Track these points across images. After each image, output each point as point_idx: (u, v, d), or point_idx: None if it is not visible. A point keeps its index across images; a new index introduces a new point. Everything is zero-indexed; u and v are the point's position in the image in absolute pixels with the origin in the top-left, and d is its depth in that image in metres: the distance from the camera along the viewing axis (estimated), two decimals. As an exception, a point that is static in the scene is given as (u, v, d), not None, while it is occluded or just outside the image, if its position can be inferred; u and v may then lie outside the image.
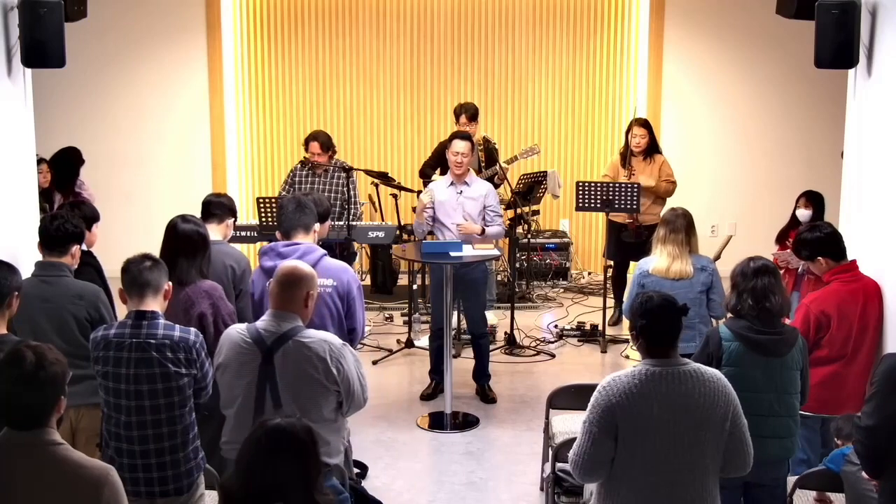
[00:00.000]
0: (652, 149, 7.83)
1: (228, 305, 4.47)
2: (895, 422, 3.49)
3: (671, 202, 6.98)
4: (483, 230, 6.48)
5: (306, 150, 7.35)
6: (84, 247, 4.68)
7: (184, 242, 4.47)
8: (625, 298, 8.16)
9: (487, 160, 7.64)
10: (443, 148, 7.01)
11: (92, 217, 4.99)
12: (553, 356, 7.52)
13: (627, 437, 3.33)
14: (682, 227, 5.34)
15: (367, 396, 3.90)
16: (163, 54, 9.38)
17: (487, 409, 6.51)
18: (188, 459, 3.77)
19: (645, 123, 7.91)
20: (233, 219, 5.15)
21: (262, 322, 3.80)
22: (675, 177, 7.80)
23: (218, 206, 5.09)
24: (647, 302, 3.45)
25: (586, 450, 3.38)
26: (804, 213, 6.72)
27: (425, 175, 7.66)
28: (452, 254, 6.13)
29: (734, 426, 3.38)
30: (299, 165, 7.55)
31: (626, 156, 7.86)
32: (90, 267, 4.75)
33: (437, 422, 6.25)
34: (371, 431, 6.05)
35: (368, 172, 8.29)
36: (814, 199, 6.75)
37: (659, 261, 5.36)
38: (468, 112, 7.64)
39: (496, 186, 7.70)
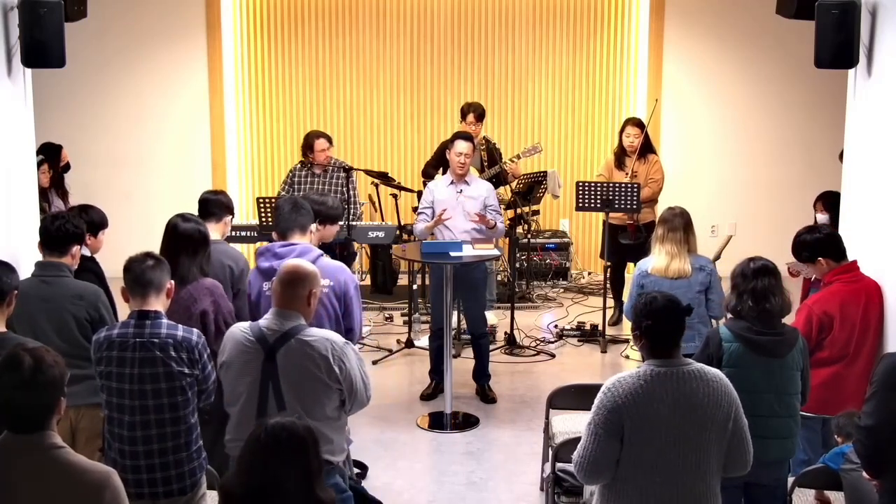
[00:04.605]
0: (646, 148, 7.84)
1: (229, 304, 4.48)
2: (895, 421, 3.49)
3: (670, 201, 6.97)
4: (494, 224, 6.51)
5: (311, 150, 7.37)
6: (87, 252, 4.66)
7: (185, 241, 4.47)
8: (625, 299, 8.21)
9: (490, 160, 7.65)
10: (444, 148, 7.03)
11: (100, 223, 4.90)
12: (553, 356, 7.52)
13: (633, 438, 3.32)
14: (680, 226, 5.34)
15: (370, 394, 3.90)
16: (163, 54, 9.38)
17: (487, 409, 6.51)
18: (191, 459, 3.77)
19: (638, 123, 7.92)
20: (231, 217, 5.14)
21: (265, 320, 3.80)
22: (660, 175, 7.85)
23: (216, 205, 5.07)
24: (652, 303, 3.44)
25: (592, 451, 3.36)
26: (821, 218, 6.38)
27: (428, 175, 7.67)
28: (452, 254, 6.14)
29: (736, 425, 3.39)
30: (299, 165, 7.57)
31: (619, 155, 7.88)
32: (91, 273, 4.70)
33: (437, 422, 6.24)
34: (371, 431, 6.04)
35: (368, 172, 8.30)
36: (830, 203, 6.28)
37: (657, 260, 5.36)
38: (476, 111, 7.71)
39: (506, 184, 7.74)
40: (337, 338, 3.80)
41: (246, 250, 9.38)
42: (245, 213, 9.54)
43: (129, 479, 3.60)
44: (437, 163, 7.66)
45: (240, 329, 3.84)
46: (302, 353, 3.71)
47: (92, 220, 4.78)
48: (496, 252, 6.52)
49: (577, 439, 3.47)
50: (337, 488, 3.91)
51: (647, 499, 3.35)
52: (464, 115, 7.76)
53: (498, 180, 7.60)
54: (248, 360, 3.75)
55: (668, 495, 3.34)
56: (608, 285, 7.87)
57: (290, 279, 3.82)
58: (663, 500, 3.35)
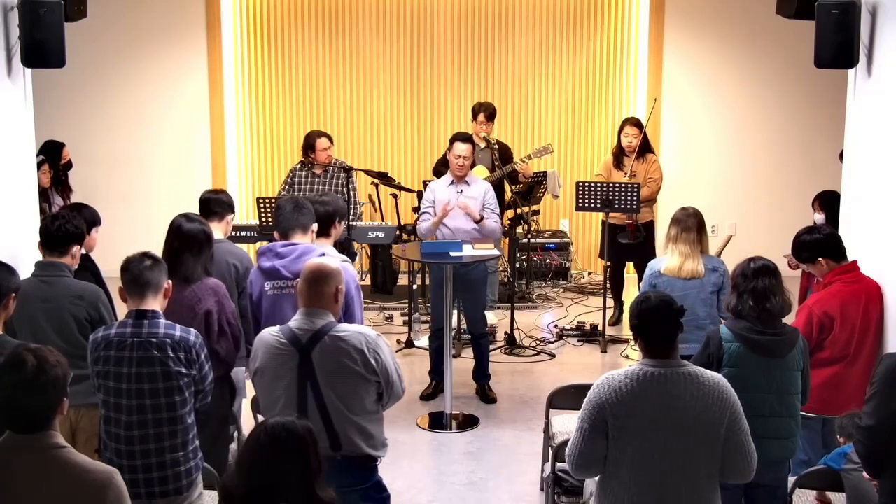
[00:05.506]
0: (644, 148, 7.84)
1: (232, 304, 4.49)
2: (895, 421, 3.49)
3: (670, 201, 7.00)
4: (482, 217, 6.50)
5: (313, 150, 7.36)
6: (83, 251, 4.67)
7: (189, 241, 4.46)
8: (625, 299, 8.21)
9: (501, 159, 7.65)
10: None
11: (92, 221, 4.91)
12: (553, 356, 7.52)
13: (617, 436, 3.35)
14: (694, 227, 5.31)
15: (404, 386, 3.91)
16: (163, 54, 9.38)
17: (487, 409, 6.51)
18: (188, 459, 3.77)
19: (637, 123, 7.92)
20: (232, 215, 5.15)
21: (295, 321, 3.79)
22: (659, 174, 7.85)
23: (218, 204, 5.08)
24: (644, 302, 3.45)
25: (578, 446, 3.41)
26: (818, 217, 6.33)
27: (438, 173, 7.67)
28: (452, 254, 6.14)
29: (731, 432, 3.36)
30: (299, 165, 7.57)
31: (618, 155, 7.88)
32: (88, 272, 4.70)
33: (437, 422, 6.25)
34: (371, 431, 6.04)
35: (368, 172, 8.30)
36: (826, 202, 6.27)
37: (670, 260, 5.33)
38: (487, 111, 7.74)
39: (518, 182, 7.74)
40: (369, 331, 3.81)
41: (246, 250, 9.40)
42: (245, 213, 9.54)
43: (126, 478, 3.55)
44: (446, 161, 7.67)
45: (270, 333, 3.83)
46: (337, 348, 3.71)
47: (85, 218, 4.77)
48: (496, 252, 6.52)
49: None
50: (377, 487, 3.90)
51: (634, 497, 3.36)
52: (475, 115, 7.78)
53: (509, 179, 7.60)
54: (283, 363, 3.74)
55: (654, 494, 3.35)
56: (608, 285, 7.87)
57: (315, 277, 3.82)
58: (650, 500, 3.35)
